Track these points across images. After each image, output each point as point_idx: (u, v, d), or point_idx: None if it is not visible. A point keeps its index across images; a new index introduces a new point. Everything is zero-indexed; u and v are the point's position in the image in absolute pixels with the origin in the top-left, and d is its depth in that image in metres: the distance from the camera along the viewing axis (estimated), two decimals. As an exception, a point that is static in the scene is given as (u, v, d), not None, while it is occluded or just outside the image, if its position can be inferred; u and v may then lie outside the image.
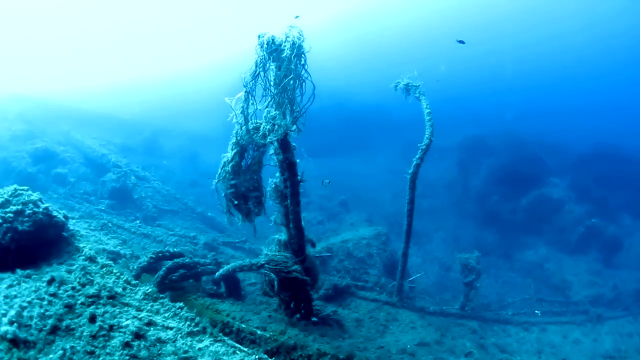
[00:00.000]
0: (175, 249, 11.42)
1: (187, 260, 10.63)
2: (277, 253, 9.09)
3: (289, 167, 8.30)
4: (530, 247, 24.13)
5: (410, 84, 13.98)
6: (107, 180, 22.28)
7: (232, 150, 8.01)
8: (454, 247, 24.02)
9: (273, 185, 8.94)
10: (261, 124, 7.90)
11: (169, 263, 10.33)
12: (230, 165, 7.98)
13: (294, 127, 7.72)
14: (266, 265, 8.81)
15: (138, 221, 19.29)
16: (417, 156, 12.62)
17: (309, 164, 8.75)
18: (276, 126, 7.56)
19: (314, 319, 11.48)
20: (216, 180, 8.27)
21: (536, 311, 16.95)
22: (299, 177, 8.61)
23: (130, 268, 10.74)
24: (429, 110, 13.06)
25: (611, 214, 26.64)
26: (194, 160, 33.17)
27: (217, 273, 10.52)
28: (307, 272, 9.50)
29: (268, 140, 7.64)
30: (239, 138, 7.88)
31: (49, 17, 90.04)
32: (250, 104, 7.51)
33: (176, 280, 10.54)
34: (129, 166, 23.91)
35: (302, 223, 9.61)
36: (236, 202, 8.27)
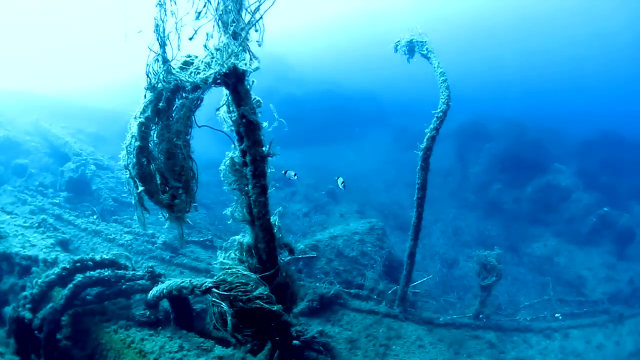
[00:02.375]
0: (105, 256, 7.95)
1: (105, 274, 7.24)
2: (233, 267, 5.73)
3: (247, 129, 4.88)
4: (537, 239, 21.09)
5: (414, 40, 10.63)
6: (65, 170, 18.94)
7: (144, 99, 4.60)
8: (455, 240, 21.00)
9: (228, 162, 5.58)
10: (195, 57, 4.55)
11: (80, 277, 6.98)
12: (138, 123, 4.57)
13: (246, 55, 4.34)
14: (214, 290, 5.39)
15: (95, 216, 15.95)
16: (432, 126, 9.18)
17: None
18: (217, 54, 4.21)
19: (295, 342, 8.40)
20: (123, 152, 4.85)
21: (557, 314, 14.12)
22: (265, 149, 5.24)
23: (33, 283, 7.33)
24: (441, 69, 9.68)
25: (621, 202, 23.65)
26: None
27: (150, 293, 7.09)
28: (279, 291, 6.17)
29: (201, 78, 4.25)
30: (153, 79, 4.49)
31: (32, 15, 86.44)
32: (168, 15, 4.07)
33: (91, 301, 7.20)
34: (93, 155, 20.54)
35: (274, 219, 6.27)
36: (142, 187, 4.85)
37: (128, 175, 4.87)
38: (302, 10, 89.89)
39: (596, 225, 20.67)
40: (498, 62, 75.33)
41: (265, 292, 5.51)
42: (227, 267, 6.07)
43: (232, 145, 5.50)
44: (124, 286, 7.34)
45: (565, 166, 24.19)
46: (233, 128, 5.37)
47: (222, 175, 5.71)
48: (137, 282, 7.50)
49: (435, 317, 11.60)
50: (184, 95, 4.59)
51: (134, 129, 4.61)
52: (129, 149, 4.71)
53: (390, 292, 11.83)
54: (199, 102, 4.66)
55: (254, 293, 5.39)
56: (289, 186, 23.01)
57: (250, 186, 5.34)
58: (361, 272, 13.09)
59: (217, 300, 5.43)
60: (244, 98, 4.86)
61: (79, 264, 7.56)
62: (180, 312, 7.45)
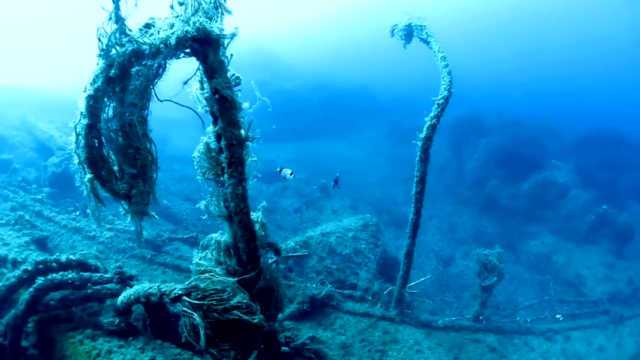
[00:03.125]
0: (72, 256, 7.09)
1: (69, 276, 6.37)
2: (209, 269, 4.89)
3: (221, 107, 4.02)
4: (534, 237, 20.40)
5: (413, 24, 9.80)
6: (48, 165, 18.00)
7: (96, 67, 3.69)
8: (451, 237, 20.23)
9: (202, 148, 4.74)
10: (159, 19, 3.71)
11: (41, 281, 6.12)
12: (86, 97, 3.66)
13: (219, 15, 3.49)
14: (184, 298, 4.53)
15: (78, 212, 15.03)
16: (432, 114, 8.30)
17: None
18: (181, 10, 3.38)
19: (284, 348, 7.60)
20: (73, 134, 3.95)
21: (557, 315, 13.47)
22: (242, 132, 4.40)
23: (-10, 287, 6.47)
24: (442, 54, 8.83)
25: (619, 200, 22.98)
26: (162, 144, 28.84)
27: (118, 299, 6.20)
28: (263, 296, 5.34)
29: (161, 39, 3.38)
30: (104, 41, 3.57)
31: (22, 9, 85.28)
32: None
33: (56, 307, 6.33)
34: (78, 148, 19.56)
35: (257, 215, 5.44)
36: (91, 174, 3.97)
37: (77, 161, 4.00)
38: (297, 6, 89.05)
39: (595, 223, 20.03)
40: (495, 60, 74.57)
41: (245, 301, 4.66)
42: (203, 269, 5.24)
43: (208, 129, 4.67)
44: (89, 290, 6.46)
45: (563, 163, 23.48)
46: (207, 108, 4.53)
47: (195, 163, 4.87)
48: (106, 285, 6.61)
49: (433, 319, 10.79)
50: (143, 63, 3.71)
51: (81, 103, 3.74)
52: (77, 129, 3.83)
53: (385, 292, 11.02)
54: (160, 70, 3.78)
55: (231, 302, 4.54)
56: (279, 180, 22.22)
57: (226, 176, 4.49)
58: (355, 270, 12.26)
59: (189, 311, 4.58)
60: (217, 70, 4.01)
61: (41, 266, 6.70)
62: (156, 318, 6.58)
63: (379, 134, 35.06)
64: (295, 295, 9.91)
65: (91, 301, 6.53)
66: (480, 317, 11.46)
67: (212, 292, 4.56)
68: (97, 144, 3.85)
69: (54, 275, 6.37)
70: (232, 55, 4.31)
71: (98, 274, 6.73)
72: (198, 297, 4.57)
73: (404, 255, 9.57)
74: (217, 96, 4.02)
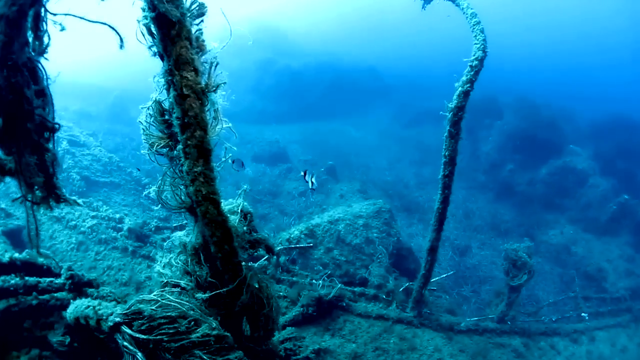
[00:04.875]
0: (17, 255, 5.50)
1: (12, 282, 4.79)
2: (175, 285, 3.31)
3: (163, 37, 2.46)
4: (553, 226, 18.70)
5: (436, -20, 8.11)
6: (38, 147, 16.30)
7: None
8: (467, 224, 18.55)
9: (152, 108, 3.16)
10: None
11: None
12: None
13: None
14: (124, 328, 2.95)
15: (65, 197, 13.43)
16: (465, 78, 6.63)
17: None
18: None
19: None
20: None
21: (583, 314, 11.94)
22: (202, 78, 2.77)
23: None
24: (472, 10, 7.13)
25: (638, 190, 21.14)
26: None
27: (68, 312, 4.57)
28: (250, 315, 3.78)
29: None
30: None
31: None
32: None
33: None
34: (70, 130, 17.88)
35: (237, 202, 3.83)
36: None
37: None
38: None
39: (616, 213, 18.26)
40: (505, 35, 72.13)
41: (214, 333, 3.05)
42: (165, 281, 3.66)
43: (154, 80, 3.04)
44: (35, 302, 4.87)
45: (580, 148, 21.69)
46: (156, 50, 2.89)
47: (142, 130, 3.24)
48: (55, 295, 5.00)
49: (455, 321, 9.17)
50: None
51: None
52: None
53: (401, 289, 9.40)
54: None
55: (192, 336, 2.94)
56: (283, 162, 20.59)
57: (180, 146, 2.85)
58: (365, 263, 10.64)
59: (130, 347, 2.97)
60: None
61: (-26, 268, 5.13)
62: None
63: (387, 115, 33.16)
64: (299, 294, 8.32)
65: (39, 315, 4.94)
66: (506, 318, 9.92)
67: (163, 320, 2.96)
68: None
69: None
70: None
71: (48, 279, 5.13)
72: (142, 328, 2.97)
73: (427, 251, 7.90)
74: (154, 14, 2.37)
